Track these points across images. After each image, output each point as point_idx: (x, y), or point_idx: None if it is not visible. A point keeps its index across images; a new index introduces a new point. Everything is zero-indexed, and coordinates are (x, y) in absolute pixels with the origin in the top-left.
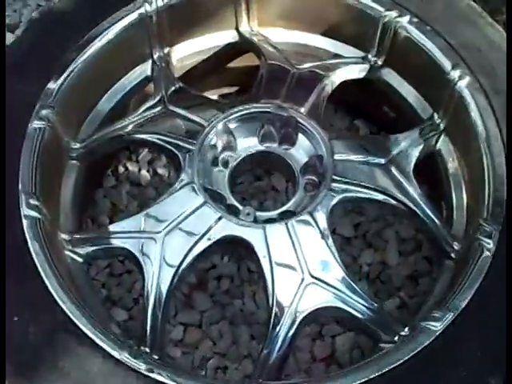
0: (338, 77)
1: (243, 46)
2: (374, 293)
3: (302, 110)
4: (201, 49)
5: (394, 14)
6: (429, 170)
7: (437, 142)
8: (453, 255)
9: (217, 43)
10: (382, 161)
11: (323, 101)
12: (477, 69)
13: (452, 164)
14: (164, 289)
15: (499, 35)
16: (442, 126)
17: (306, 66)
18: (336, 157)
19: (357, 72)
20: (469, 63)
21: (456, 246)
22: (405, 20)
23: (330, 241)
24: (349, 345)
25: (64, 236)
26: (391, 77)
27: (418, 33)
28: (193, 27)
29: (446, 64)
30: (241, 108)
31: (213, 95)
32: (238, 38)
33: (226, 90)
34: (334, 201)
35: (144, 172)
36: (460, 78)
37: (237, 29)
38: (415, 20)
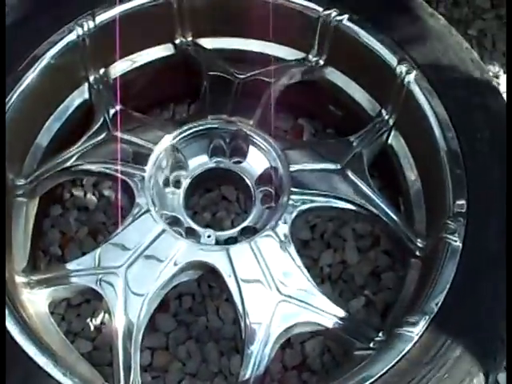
0: (282, 82)
1: (181, 58)
2: (338, 294)
3: (251, 121)
4: (138, 64)
5: (332, 12)
6: (383, 167)
7: (388, 137)
8: (418, 253)
9: (153, 57)
10: (338, 166)
11: (271, 109)
12: (423, 62)
13: (405, 159)
14: (134, 319)
15: (441, 24)
16: (391, 122)
17: (249, 74)
18: (291, 168)
19: (299, 74)
20: (414, 57)
21: (420, 243)
22: (344, 18)
23: (295, 253)
24: (319, 349)
25: (21, 279)
26: (335, 76)
27: (359, 30)
28: (128, 44)
29: (392, 59)
30: (188, 126)
31: (151, 109)
32: (174, 50)
33: (163, 103)
34: (295, 213)
35: (90, 196)
36: (407, 72)
37: (172, 41)
38: (355, 17)
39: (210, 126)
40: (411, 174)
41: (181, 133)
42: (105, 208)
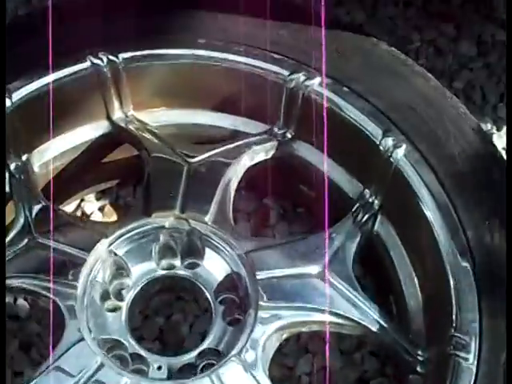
0: (243, 163)
1: (119, 136)
2: None
3: (206, 217)
4: (69, 147)
5: (301, 76)
6: (369, 260)
7: (373, 225)
8: (419, 369)
9: (87, 137)
10: (316, 269)
11: (230, 199)
12: (414, 133)
13: (396, 250)
14: None
15: (432, 86)
16: (376, 205)
17: (203, 156)
18: (259, 274)
19: (263, 152)
20: (402, 127)
21: (420, 356)
22: (315, 82)
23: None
24: None
25: None
26: (306, 151)
27: (333, 96)
28: (54, 124)
29: (375, 131)
30: (128, 227)
31: (89, 193)
32: (111, 127)
33: (103, 186)
34: (266, 333)
35: (21, 302)
36: (395, 146)
37: (108, 117)
38: (329, 81)
39: (155, 225)
40: (403, 269)
41: (120, 236)
42: (39, 316)
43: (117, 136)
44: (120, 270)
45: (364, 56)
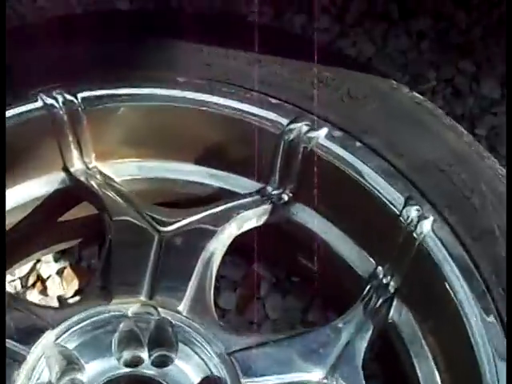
0: (229, 232)
1: (78, 192)
2: None
3: (181, 305)
4: (18, 203)
5: (302, 126)
6: (383, 355)
7: (388, 311)
8: None
9: (39, 192)
10: (319, 374)
11: (211, 281)
12: (443, 200)
13: (416, 344)
14: None
15: (465, 143)
16: (392, 287)
17: (179, 224)
18: (246, 381)
19: (254, 218)
20: (429, 193)
21: None
22: (321, 134)
23: None
24: None
25: None
26: (306, 216)
27: (342, 152)
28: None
29: (395, 198)
30: (82, 316)
31: (46, 254)
32: (68, 181)
33: (63, 246)
34: None
35: None
36: (419, 217)
37: (65, 169)
38: (337, 133)
39: (115, 313)
40: (423, 364)
41: (70, 326)
42: None
43: (76, 192)
44: (71, 365)
45: (381, 102)
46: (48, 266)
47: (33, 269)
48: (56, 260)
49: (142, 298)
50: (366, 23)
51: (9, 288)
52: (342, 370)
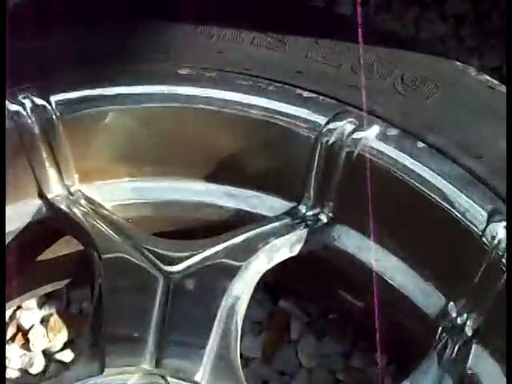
0: (256, 268)
1: (58, 223)
2: None
3: (199, 372)
4: None
5: (345, 125)
6: None
7: (466, 358)
8: None
9: (10, 226)
10: None
11: (236, 334)
12: None
13: None
14: None
15: None
16: (469, 329)
17: (191, 260)
18: None
19: (286, 248)
20: None
21: None
22: (370, 134)
23: None
24: None
25: None
26: (350, 241)
27: (400, 156)
28: None
29: (474, 214)
30: None
31: (28, 299)
32: (45, 210)
33: (48, 288)
34: None
35: None
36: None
37: (41, 195)
38: (392, 132)
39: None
40: None
41: None
42: None
43: (56, 223)
44: None
45: (445, 89)
46: (30, 313)
47: (12, 317)
48: (40, 306)
49: (146, 364)
50: (395, 7)
51: None
52: None
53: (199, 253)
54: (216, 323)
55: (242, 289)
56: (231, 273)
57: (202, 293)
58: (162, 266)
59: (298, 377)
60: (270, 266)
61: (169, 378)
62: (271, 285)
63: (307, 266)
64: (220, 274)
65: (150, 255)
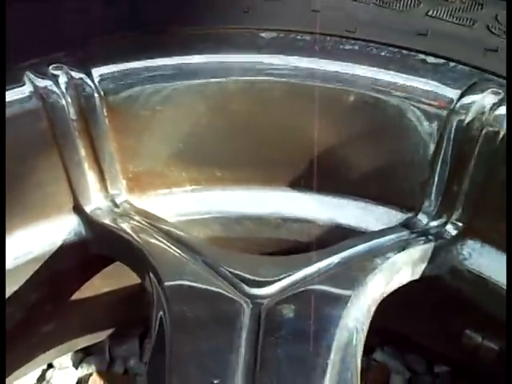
0: (373, 293)
1: (99, 243)
2: None
3: None
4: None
5: (486, 97)
6: None
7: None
8: None
9: (36, 250)
10: None
11: (357, 377)
12: None
13: None
14: None
15: None
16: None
17: (285, 282)
18: None
19: (409, 266)
20: None
21: None
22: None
23: None
24: None
25: None
26: (487, 261)
27: None
28: None
29: None
30: None
31: (60, 357)
32: (83, 228)
33: (85, 342)
34: None
35: None
36: None
37: (77, 208)
38: None
39: None
40: None
41: None
42: None
43: (97, 245)
44: None
45: None
46: (64, 373)
47: (41, 379)
48: (76, 364)
49: None
50: None
51: None
52: None
53: (296, 271)
54: (330, 365)
55: (358, 318)
56: (341, 298)
57: (305, 323)
58: (246, 288)
59: None
60: (389, 290)
61: None
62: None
63: (419, 298)
64: (327, 300)
65: (230, 276)
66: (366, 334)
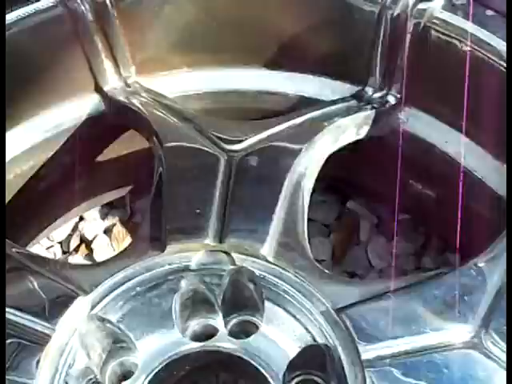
0: (322, 148)
1: (117, 118)
2: None
3: (264, 247)
4: (37, 139)
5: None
6: None
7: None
8: None
9: (65, 123)
10: (466, 332)
11: (303, 211)
12: None
13: None
14: None
15: None
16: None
17: (254, 139)
18: (366, 350)
19: (353, 128)
20: None
21: None
22: (437, 3)
23: None
24: None
25: None
26: (420, 123)
27: (470, 27)
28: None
29: None
30: (125, 274)
31: (88, 209)
32: (103, 104)
33: (110, 196)
34: None
35: None
36: None
37: (98, 89)
38: (459, 0)
39: (172, 266)
40: None
41: (110, 289)
42: None
43: (115, 118)
44: (117, 344)
45: None
46: (93, 224)
47: (74, 229)
48: (103, 216)
49: (208, 241)
50: None
51: (47, 255)
52: (498, 323)
53: (262, 132)
54: (280, 199)
55: (306, 166)
56: (295, 152)
57: (265, 169)
58: (224, 145)
59: (369, 277)
60: (335, 148)
61: (233, 254)
62: (338, 186)
63: (374, 157)
64: (283, 153)
65: (213, 137)
66: (314, 179)
